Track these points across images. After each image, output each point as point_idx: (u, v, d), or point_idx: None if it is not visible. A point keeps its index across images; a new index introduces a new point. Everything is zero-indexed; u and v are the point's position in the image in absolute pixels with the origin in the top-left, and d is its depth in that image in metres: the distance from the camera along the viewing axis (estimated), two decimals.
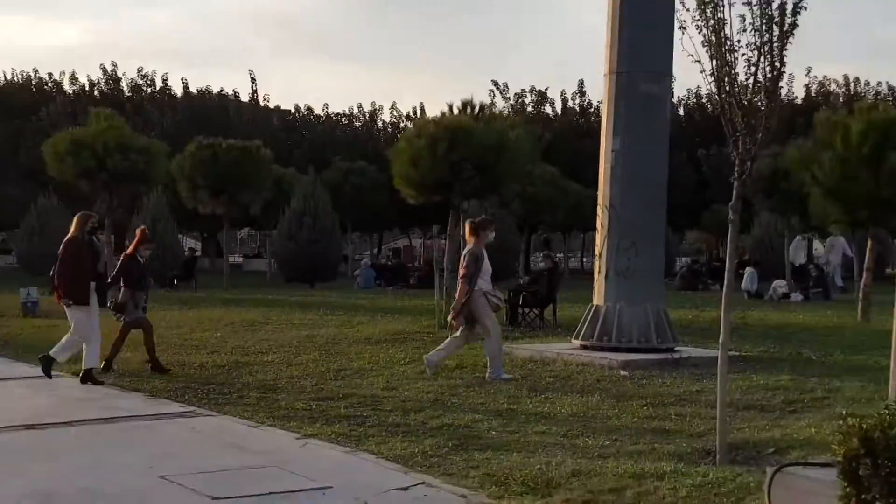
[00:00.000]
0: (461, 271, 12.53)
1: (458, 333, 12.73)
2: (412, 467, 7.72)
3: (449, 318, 12.98)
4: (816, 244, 52.39)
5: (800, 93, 57.56)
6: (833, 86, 58.97)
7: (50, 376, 12.30)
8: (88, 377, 12.04)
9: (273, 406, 10.38)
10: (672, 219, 44.24)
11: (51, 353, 12.42)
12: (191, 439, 9.01)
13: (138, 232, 13.70)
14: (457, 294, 12.68)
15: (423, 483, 7.25)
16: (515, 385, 11.54)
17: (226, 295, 28.21)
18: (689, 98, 59.95)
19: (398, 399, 10.72)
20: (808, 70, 59.13)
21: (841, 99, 54.46)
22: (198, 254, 46.79)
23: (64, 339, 12.41)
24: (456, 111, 23.37)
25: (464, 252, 12.83)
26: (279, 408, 10.27)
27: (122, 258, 13.46)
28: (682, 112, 58.50)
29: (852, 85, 58.38)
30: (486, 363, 12.92)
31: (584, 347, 14.06)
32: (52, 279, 12.41)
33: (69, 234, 12.39)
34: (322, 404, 10.41)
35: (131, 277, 13.18)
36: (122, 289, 13.16)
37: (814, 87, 58.78)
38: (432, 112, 73.59)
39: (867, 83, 58.85)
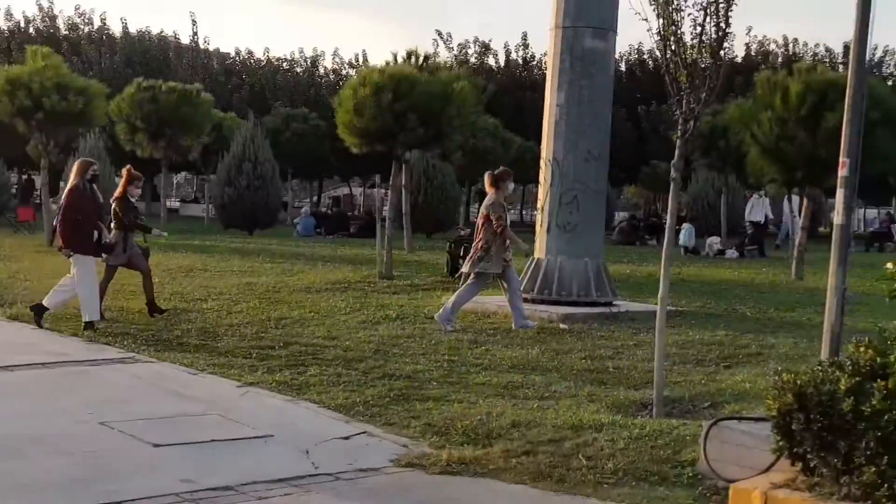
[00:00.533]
0: (497, 223, 12.38)
1: (469, 282, 12.72)
2: (353, 417, 7.78)
3: (466, 270, 12.82)
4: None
5: (740, 52, 57.99)
6: (773, 46, 59.50)
7: (41, 326, 12.07)
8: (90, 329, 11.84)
9: (213, 354, 10.37)
10: (611, 174, 44.57)
11: (44, 301, 12.21)
12: (131, 385, 8.98)
13: (125, 172, 13.51)
14: (495, 245, 12.45)
15: (364, 433, 7.32)
16: (456, 336, 11.63)
17: (163, 240, 27.87)
18: (630, 54, 60.09)
19: (339, 348, 10.76)
20: (749, 29, 59.57)
21: (780, 59, 54.94)
22: None
23: (58, 287, 12.19)
24: (400, 61, 23.29)
25: (487, 203, 12.69)
26: (219, 355, 10.26)
27: (114, 201, 13.24)
28: (623, 68, 58.62)
29: (791, 46, 58.91)
30: (426, 314, 13.02)
31: (524, 300, 14.14)
32: (54, 229, 12.19)
33: (70, 183, 12.20)
34: (263, 353, 10.42)
35: (125, 218, 13.04)
36: (113, 230, 12.97)
37: (754, 47, 59.23)
38: (375, 60, 73.07)
39: (805, 44, 59.59)
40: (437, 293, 15.64)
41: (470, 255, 12.89)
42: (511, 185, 13.17)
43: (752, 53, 58.47)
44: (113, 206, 13.16)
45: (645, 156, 51.30)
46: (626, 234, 35.88)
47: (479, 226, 12.81)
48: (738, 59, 55.71)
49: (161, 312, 12.95)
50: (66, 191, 12.24)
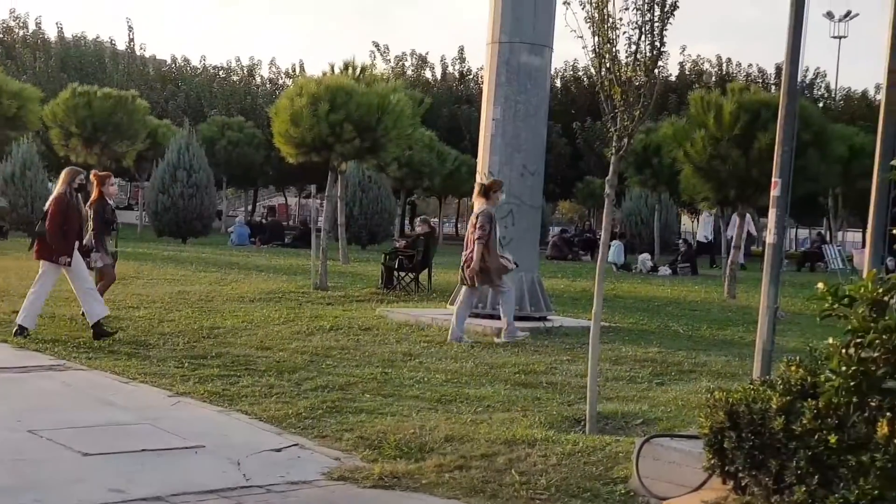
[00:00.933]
0: (477, 232, 12.46)
1: (461, 299, 12.73)
2: (286, 429, 7.72)
3: (467, 274, 12.70)
4: (685, 219, 53.76)
5: (674, 71, 58.72)
6: (706, 65, 60.34)
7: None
8: (100, 332, 11.65)
9: (145, 362, 10.23)
10: (546, 189, 44.84)
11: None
12: (61, 393, 8.83)
13: (93, 176, 13.24)
14: (473, 254, 12.54)
15: (296, 445, 7.26)
16: (390, 349, 11.59)
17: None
18: (565, 70, 60.57)
19: (272, 359, 10.67)
20: (683, 48, 60.45)
21: (714, 78, 55.72)
22: None
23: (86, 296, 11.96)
24: (337, 71, 23.24)
25: (476, 213, 12.73)
26: (151, 364, 10.12)
27: (92, 206, 13.00)
28: (558, 84, 59.07)
29: (725, 65, 59.79)
30: (360, 325, 12.99)
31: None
32: (34, 235, 11.95)
33: (56, 191, 12.03)
34: (195, 362, 10.29)
35: (100, 220, 12.82)
36: (89, 233, 12.75)
37: (688, 66, 60.00)
38: (312, 70, 72.74)
39: (739, 64, 60.40)
40: (371, 304, 15.60)
41: (464, 263, 12.83)
42: (502, 196, 13.23)
43: (686, 72, 59.24)
44: (90, 210, 12.94)
45: (579, 171, 51.76)
46: (558, 248, 36.05)
47: (470, 236, 12.83)
48: (672, 78, 56.47)
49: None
50: (52, 198, 12.01)
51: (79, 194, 12.17)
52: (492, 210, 12.79)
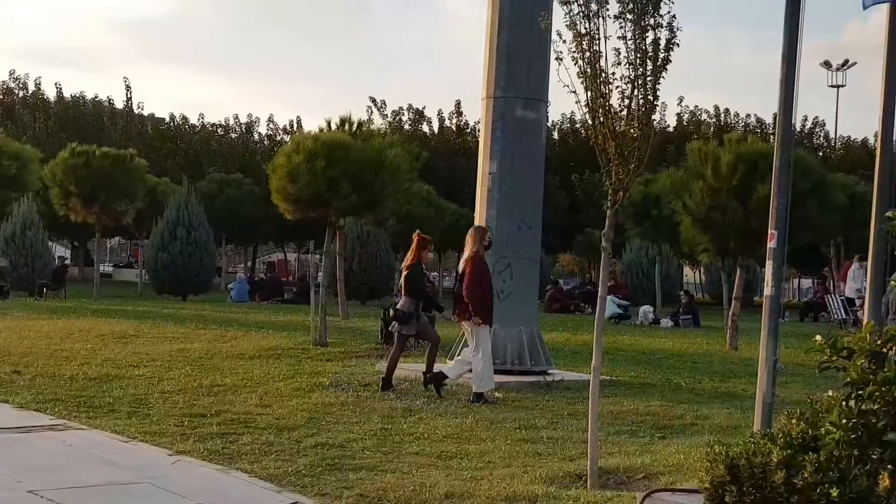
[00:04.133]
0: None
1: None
2: (285, 486, 7.66)
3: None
4: (686, 270, 53.72)
5: (672, 121, 59.08)
6: (704, 116, 60.70)
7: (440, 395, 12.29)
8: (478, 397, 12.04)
9: (144, 421, 10.18)
10: (545, 241, 44.64)
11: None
12: (61, 453, 8.78)
13: (415, 237, 13.25)
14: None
15: (295, 503, 7.21)
16: (390, 405, 11.55)
17: (96, 305, 27.56)
18: (563, 123, 60.92)
19: (272, 417, 10.62)
20: (681, 99, 60.80)
21: (711, 129, 56.02)
22: (68, 262, 45.60)
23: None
24: (334, 127, 23.38)
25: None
26: (150, 423, 10.08)
27: (407, 269, 13.09)
28: (556, 136, 59.36)
29: (723, 115, 60.14)
30: (360, 381, 12.98)
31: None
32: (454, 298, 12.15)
33: (469, 251, 12.41)
34: (194, 420, 10.25)
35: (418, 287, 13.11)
36: (404, 299, 12.99)
37: (685, 116, 60.36)
38: (309, 126, 73.22)
39: (737, 114, 60.76)
40: (371, 360, 15.57)
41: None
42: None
43: (684, 123, 59.58)
44: (404, 274, 13.06)
45: (579, 223, 51.80)
46: (553, 301, 35.84)
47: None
48: (670, 129, 56.80)
49: (439, 381, 12.59)
50: (466, 259, 12.38)
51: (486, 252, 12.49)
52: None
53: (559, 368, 14.69)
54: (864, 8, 7.84)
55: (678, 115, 59.95)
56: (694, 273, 56.97)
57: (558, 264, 73.91)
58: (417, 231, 13.61)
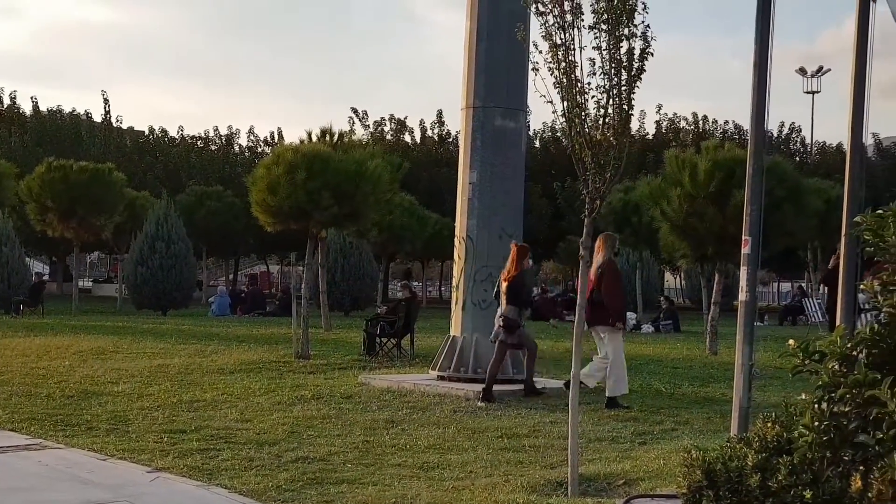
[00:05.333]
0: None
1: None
2: (265, 501, 7.65)
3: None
4: (667, 276, 53.89)
5: (651, 129, 59.28)
6: (683, 123, 60.93)
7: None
8: (612, 403, 12.28)
9: (123, 438, 10.15)
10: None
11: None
12: (38, 473, 8.74)
13: (514, 247, 13.49)
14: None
15: None
16: (372, 417, 11.55)
17: (74, 321, 27.43)
18: (545, 131, 61.04)
19: (253, 431, 10.61)
20: (659, 107, 61.07)
21: (690, 136, 56.23)
22: (46, 278, 45.37)
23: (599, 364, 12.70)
24: (315, 138, 23.37)
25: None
26: (129, 440, 10.05)
27: (509, 279, 13.20)
28: (538, 144, 59.48)
29: (701, 123, 60.38)
30: (342, 393, 12.97)
31: (441, 378, 14.17)
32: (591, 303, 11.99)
33: (603, 258, 12.67)
34: (174, 437, 10.23)
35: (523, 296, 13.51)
36: (507, 307, 13.17)
37: (664, 124, 60.56)
38: (290, 138, 73.16)
39: (715, 121, 61.01)
40: (353, 372, 15.55)
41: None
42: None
43: (663, 130, 59.78)
44: (506, 284, 13.18)
45: (561, 231, 51.89)
46: (540, 309, 35.86)
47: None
48: (649, 137, 57.00)
49: (537, 394, 13.07)
50: (599, 266, 12.57)
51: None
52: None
53: (542, 375, 14.71)
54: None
55: (657, 122, 60.19)
56: (675, 278, 57.15)
57: (541, 272, 73.96)
58: (514, 241, 13.80)
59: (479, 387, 13.16)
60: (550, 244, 52.87)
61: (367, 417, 11.51)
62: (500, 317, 13.21)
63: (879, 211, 5.58)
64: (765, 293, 61.32)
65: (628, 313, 30.93)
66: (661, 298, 33.09)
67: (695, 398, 13.54)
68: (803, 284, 43.01)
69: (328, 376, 15.14)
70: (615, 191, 37.64)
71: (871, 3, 7.77)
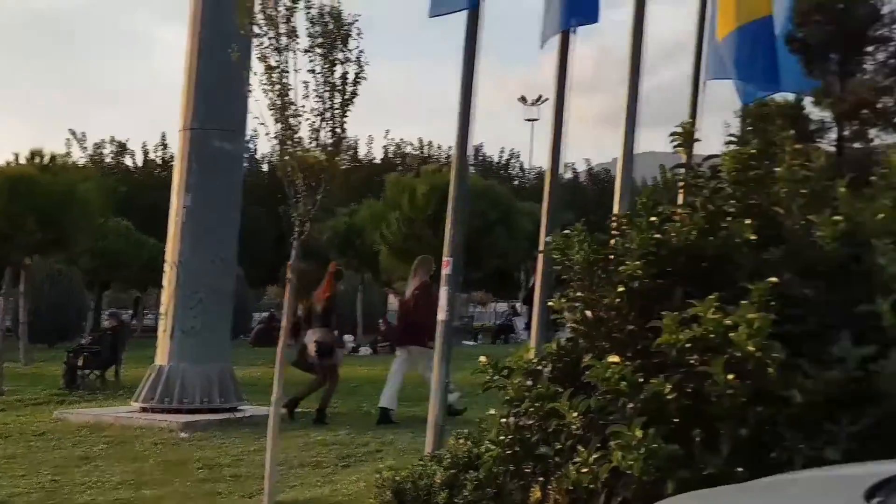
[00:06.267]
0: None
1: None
2: None
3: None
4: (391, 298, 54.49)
5: (379, 154, 59.85)
6: (409, 147, 61.85)
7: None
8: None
9: None
10: (251, 274, 43.72)
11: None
12: None
13: (332, 267, 13.68)
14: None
15: None
16: (64, 454, 10.80)
17: None
18: (272, 155, 60.37)
19: None
20: (387, 132, 61.84)
21: (417, 161, 57.20)
22: None
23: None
24: (24, 161, 22.22)
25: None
26: None
27: (322, 301, 13.19)
28: (265, 168, 58.79)
29: (426, 147, 61.48)
30: (33, 430, 12.23)
31: (144, 410, 13.47)
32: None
33: (419, 280, 13.19)
34: None
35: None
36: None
37: (391, 149, 61.28)
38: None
39: (439, 146, 62.25)
40: (50, 407, 14.64)
41: None
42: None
43: (390, 155, 60.45)
44: (320, 306, 12.83)
45: (285, 255, 51.39)
46: (263, 335, 35.32)
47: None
48: (377, 161, 57.61)
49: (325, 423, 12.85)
50: (418, 287, 13.09)
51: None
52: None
53: (251, 403, 14.26)
54: (430, 16, 8.05)
55: (385, 147, 60.83)
56: (397, 301, 57.84)
57: (266, 296, 73.25)
58: (333, 262, 13.83)
59: (185, 417, 12.63)
60: (275, 268, 52.28)
61: (59, 455, 10.74)
62: (315, 341, 13.17)
63: (567, 231, 5.69)
64: (482, 314, 63.21)
65: (346, 336, 31.12)
66: (380, 321, 33.36)
67: (402, 418, 13.41)
68: (517, 305, 44.54)
69: (20, 413, 14.15)
70: (340, 215, 37.74)
71: (572, 34, 8.04)
